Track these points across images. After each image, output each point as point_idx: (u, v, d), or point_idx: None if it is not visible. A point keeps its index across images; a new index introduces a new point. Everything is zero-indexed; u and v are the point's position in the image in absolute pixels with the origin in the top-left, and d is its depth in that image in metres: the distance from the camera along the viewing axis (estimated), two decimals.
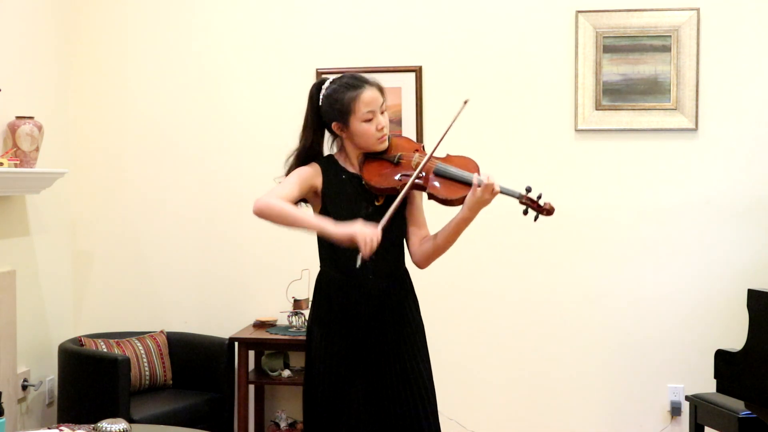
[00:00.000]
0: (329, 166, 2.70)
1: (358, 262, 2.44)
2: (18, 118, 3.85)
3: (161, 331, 4.38)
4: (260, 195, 2.57)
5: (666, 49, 4.19)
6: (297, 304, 4.22)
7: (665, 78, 4.19)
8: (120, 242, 4.57)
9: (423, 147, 2.74)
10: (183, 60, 4.51)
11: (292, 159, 2.72)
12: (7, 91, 3.77)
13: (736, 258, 4.19)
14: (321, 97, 2.67)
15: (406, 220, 2.72)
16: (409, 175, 2.58)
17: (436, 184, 2.60)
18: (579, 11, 4.23)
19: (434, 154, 2.63)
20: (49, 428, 3.09)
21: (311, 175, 2.66)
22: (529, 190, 2.56)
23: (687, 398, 3.85)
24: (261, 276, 4.48)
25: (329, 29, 4.43)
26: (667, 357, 4.24)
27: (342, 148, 2.73)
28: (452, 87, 4.32)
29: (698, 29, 4.16)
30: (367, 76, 2.69)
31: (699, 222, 4.22)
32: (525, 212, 2.59)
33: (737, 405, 3.53)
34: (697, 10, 4.16)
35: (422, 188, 2.62)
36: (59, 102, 4.42)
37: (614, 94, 4.22)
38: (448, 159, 2.67)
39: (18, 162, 3.80)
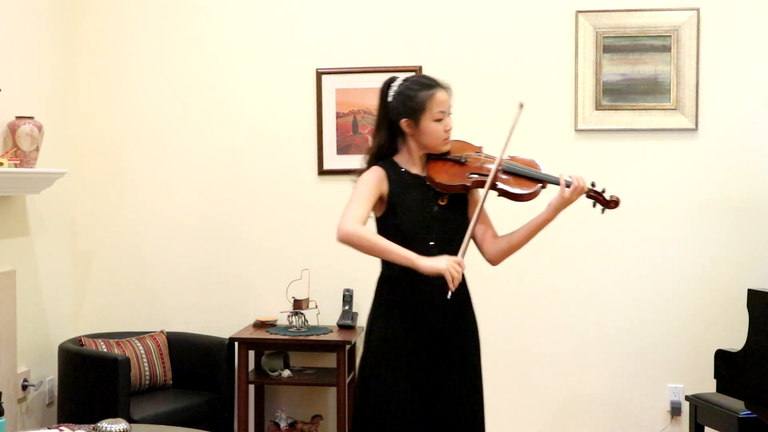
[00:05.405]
0: (391, 168, 2.72)
1: (449, 295, 2.53)
2: (18, 118, 3.85)
3: (161, 331, 4.38)
4: (341, 220, 2.56)
5: (666, 49, 4.19)
6: (297, 304, 4.22)
7: (665, 78, 4.19)
8: (120, 242, 4.57)
9: (482, 148, 2.79)
10: (183, 60, 4.51)
11: (368, 157, 2.74)
12: (7, 91, 3.77)
13: (736, 258, 4.19)
14: (391, 93, 2.70)
15: (467, 221, 2.73)
16: (478, 174, 2.66)
17: (507, 179, 2.69)
18: (579, 11, 4.23)
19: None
20: (49, 428, 3.09)
21: (378, 182, 2.68)
22: (593, 185, 2.71)
23: (687, 398, 3.85)
24: (261, 276, 4.48)
25: (329, 29, 4.43)
26: (667, 357, 4.24)
27: (404, 149, 2.74)
28: (452, 87, 4.30)
29: (698, 29, 4.16)
30: (434, 77, 2.74)
31: (699, 222, 4.22)
32: (594, 205, 2.76)
33: (737, 405, 3.53)
34: (697, 10, 4.16)
35: (493, 186, 2.67)
36: (59, 102, 4.42)
37: (614, 94, 4.22)
38: (512, 159, 2.75)
39: (18, 162, 3.80)
